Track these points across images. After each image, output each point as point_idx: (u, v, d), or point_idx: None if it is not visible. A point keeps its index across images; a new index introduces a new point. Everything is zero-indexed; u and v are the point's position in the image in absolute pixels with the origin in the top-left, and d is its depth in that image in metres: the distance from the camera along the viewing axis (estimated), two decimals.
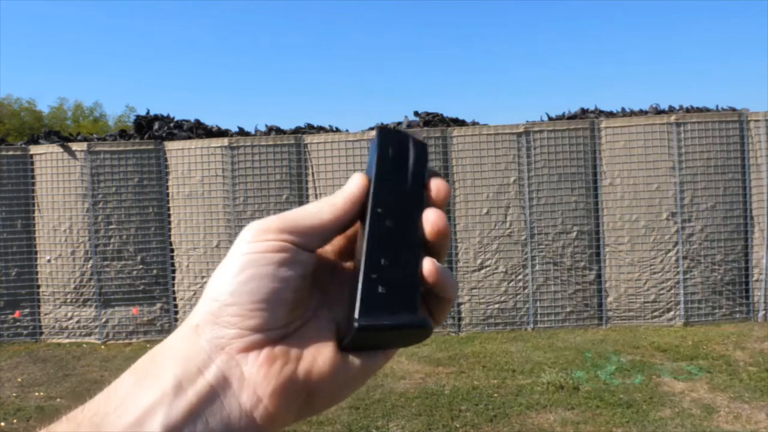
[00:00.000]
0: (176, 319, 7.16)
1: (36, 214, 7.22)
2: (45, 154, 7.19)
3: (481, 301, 6.96)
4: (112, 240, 7.13)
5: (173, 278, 7.21)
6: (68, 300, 7.15)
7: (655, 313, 6.87)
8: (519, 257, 6.92)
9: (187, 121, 8.36)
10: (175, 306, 7.21)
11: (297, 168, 7.07)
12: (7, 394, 5.39)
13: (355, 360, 0.40)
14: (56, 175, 7.15)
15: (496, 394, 4.92)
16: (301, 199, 7.04)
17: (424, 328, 0.40)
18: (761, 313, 6.84)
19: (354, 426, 4.36)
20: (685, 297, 6.81)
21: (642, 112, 7.71)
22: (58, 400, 5.19)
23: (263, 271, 0.38)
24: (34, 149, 7.28)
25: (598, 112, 7.91)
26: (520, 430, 4.24)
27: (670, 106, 7.69)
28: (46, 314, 7.22)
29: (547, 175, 6.91)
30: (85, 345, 7.03)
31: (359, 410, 4.63)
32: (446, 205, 0.44)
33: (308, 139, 7.14)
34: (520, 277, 6.93)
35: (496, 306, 6.95)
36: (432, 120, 7.82)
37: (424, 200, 0.43)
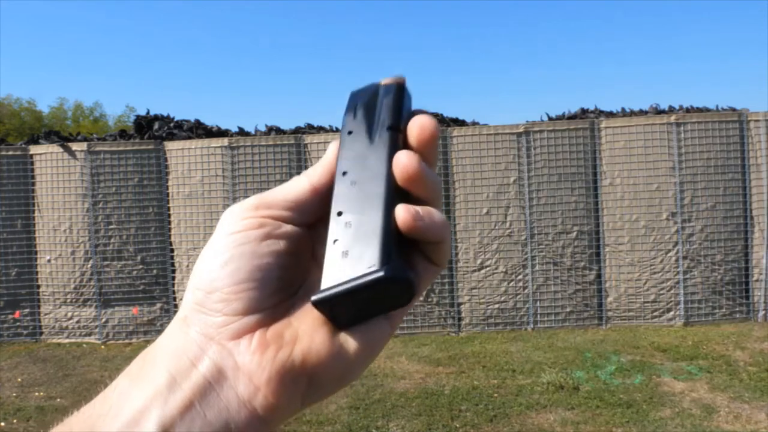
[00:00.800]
0: None
1: (36, 214, 7.22)
2: (45, 154, 7.19)
3: (481, 301, 6.96)
4: (112, 240, 7.13)
5: (173, 278, 7.21)
6: (68, 300, 7.16)
7: (655, 313, 6.87)
8: (519, 257, 6.92)
9: (187, 121, 8.36)
10: (175, 306, 7.20)
11: (297, 168, 7.07)
12: (7, 394, 5.39)
13: (351, 338, 0.37)
14: (56, 175, 7.15)
15: (496, 394, 4.92)
16: None
17: (393, 282, 0.34)
18: (761, 313, 6.84)
19: (354, 426, 4.36)
20: (685, 297, 6.81)
21: (642, 112, 7.71)
22: (58, 400, 5.19)
23: (243, 249, 0.36)
24: (34, 149, 7.28)
25: (598, 112, 7.91)
26: (520, 430, 4.24)
27: (670, 106, 7.69)
28: (46, 314, 7.22)
29: (547, 175, 6.91)
30: (85, 345, 7.03)
31: (359, 410, 4.63)
32: (434, 146, 0.39)
33: (308, 139, 7.14)
34: (520, 277, 6.93)
35: (496, 306, 6.95)
36: None
37: (397, 146, 0.38)
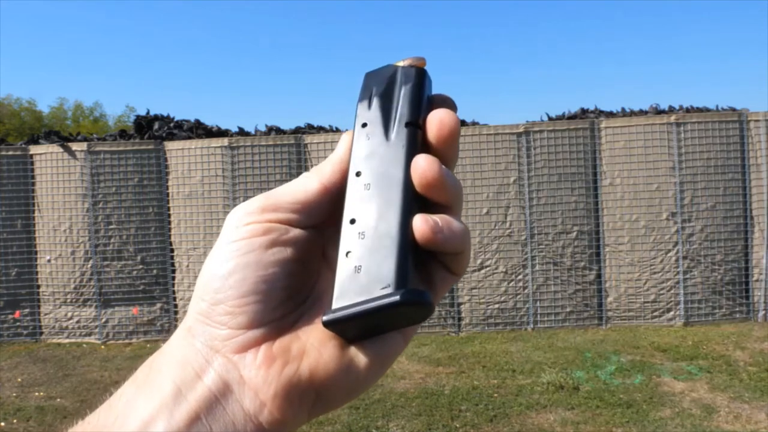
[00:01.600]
0: (176, 319, 7.16)
1: (36, 214, 7.22)
2: (45, 154, 7.19)
3: (481, 301, 6.96)
4: (112, 240, 7.13)
5: (173, 278, 7.21)
6: (68, 300, 7.16)
7: (655, 313, 6.87)
8: (519, 257, 6.92)
9: (187, 121, 8.37)
10: (175, 306, 7.21)
11: (297, 168, 7.07)
12: (7, 394, 5.39)
13: (362, 352, 0.35)
14: (56, 175, 7.15)
15: (496, 394, 4.92)
16: None
17: (408, 305, 0.32)
18: (761, 313, 6.84)
19: (354, 426, 4.36)
20: (685, 297, 6.81)
21: (642, 112, 7.71)
22: (58, 400, 5.19)
23: (247, 259, 0.34)
24: (34, 149, 7.28)
25: (598, 112, 7.91)
26: (520, 430, 4.24)
27: (670, 106, 7.69)
28: (46, 314, 7.22)
29: (547, 175, 6.91)
30: (85, 345, 7.03)
31: (359, 410, 4.63)
32: (454, 144, 0.36)
33: (308, 139, 7.14)
34: (520, 277, 6.93)
35: (496, 306, 6.95)
36: None
37: (416, 145, 0.35)
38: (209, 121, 9.06)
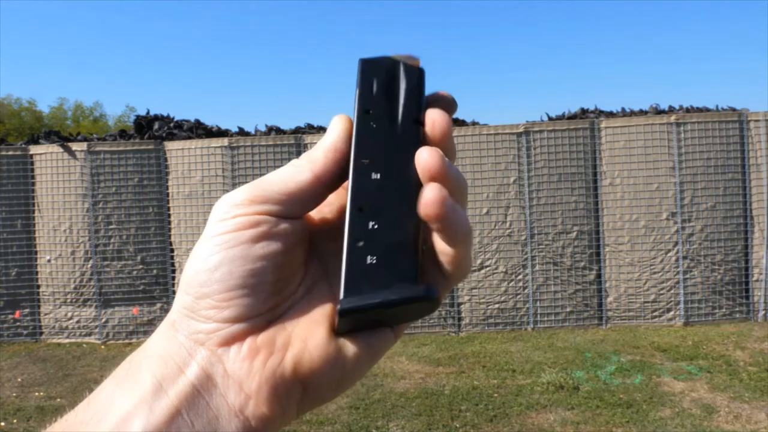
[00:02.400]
0: None
1: (36, 214, 7.22)
2: (45, 154, 7.19)
3: (481, 301, 6.96)
4: (112, 240, 7.13)
5: (173, 278, 7.21)
6: (68, 300, 7.15)
7: (655, 313, 6.87)
8: (519, 257, 6.92)
9: (187, 121, 8.37)
10: None
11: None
12: (7, 394, 5.39)
13: (351, 343, 0.34)
14: (56, 175, 7.14)
15: (496, 394, 4.92)
16: None
17: (427, 300, 0.33)
18: (761, 313, 6.84)
19: (354, 426, 4.35)
20: (685, 297, 6.81)
21: (642, 112, 7.71)
22: (58, 400, 5.19)
23: (234, 252, 0.33)
24: (34, 149, 7.28)
25: (598, 112, 7.91)
26: (520, 430, 4.24)
27: (670, 106, 7.69)
28: (46, 314, 7.22)
29: (547, 175, 6.91)
30: (85, 345, 7.03)
31: (359, 410, 4.63)
32: (448, 140, 0.36)
33: (308, 139, 7.14)
34: (520, 277, 6.93)
35: (496, 306, 6.95)
36: None
37: (419, 140, 0.35)
38: (209, 121, 9.06)
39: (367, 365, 0.36)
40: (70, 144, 7.23)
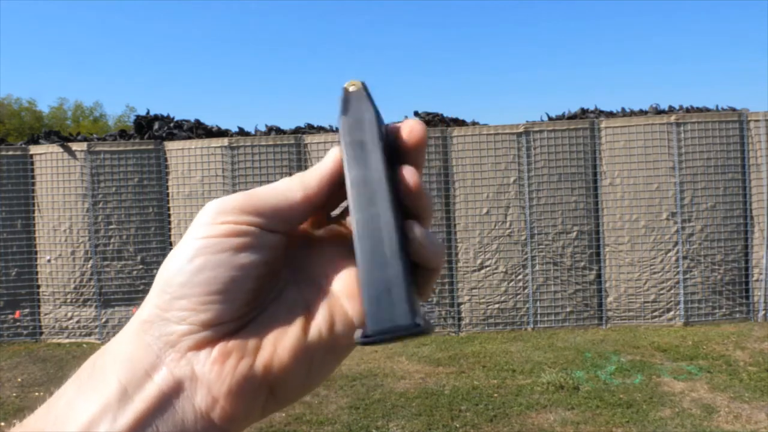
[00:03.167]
0: None
1: (36, 214, 7.22)
2: (45, 154, 7.19)
3: (481, 301, 6.96)
4: (112, 240, 7.13)
5: None
6: (68, 300, 7.15)
7: (655, 313, 6.87)
8: (519, 257, 6.92)
9: (187, 121, 8.36)
10: None
11: (297, 168, 7.07)
12: (7, 394, 5.39)
13: (318, 348, 0.36)
14: (56, 175, 7.14)
15: (496, 394, 4.92)
16: None
17: (428, 332, 0.34)
18: (761, 313, 6.84)
19: (354, 426, 4.35)
20: (685, 297, 6.81)
21: (642, 112, 7.71)
22: None
23: (219, 258, 0.34)
24: (34, 149, 7.28)
25: (598, 112, 7.91)
26: (520, 430, 4.24)
27: (670, 106, 7.69)
28: (46, 314, 7.22)
29: (547, 175, 6.91)
30: (85, 345, 7.03)
31: (359, 410, 4.63)
32: (423, 150, 0.37)
33: (308, 139, 7.14)
34: (520, 277, 6.93)
35: (496, 306, 6.95)
36: (432, 120, 7.82)
37: (391, 159, 0.37)
38: (209, 121, 9.06)
39: (331, 369, 0.37)
40: (70, 144, 7.23)
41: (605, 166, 6.93)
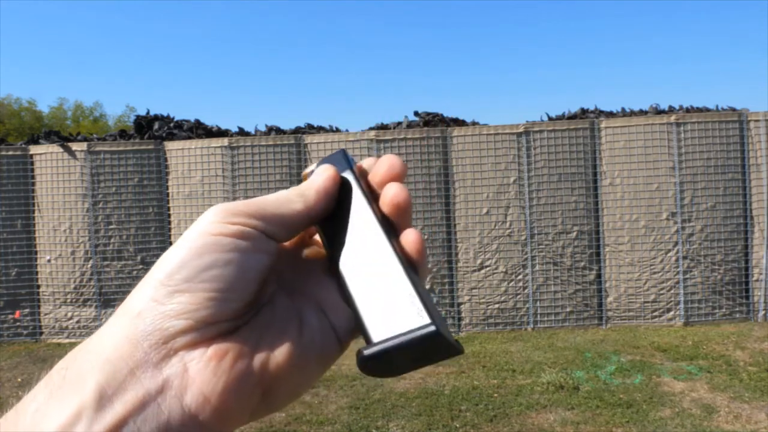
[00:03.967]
0: None
1: (36, 214, 7.22)
2: (45, 154, 7.19)
3: (481, 301, 6.95)
4: (112, 240, 7.13)
5: None
6: (68, 300, 7.15)
7: (655, 313, 6.87)
8: (519, 257, 6.92)
9: (187, 121, 8.36)
10: None
11: (297, 168, 7.07)
12: (7, 394, 5.39)
13: (310, 353, 0.36)
14: (56, 175, 7.14)
15: (496, 394, 4.92)
16: None
17: (433, 340, 0.34)
18: (761, 313, 6.84)
19: (354, 426, 4.35)
20: (685, 297, 6.80)
21: (642, 112, 7.70)
22: None
23: (229, 256, 0.34)
24: (34, 149, 7.28)
25: (598, 112, 7.91)
26: (520, 430, 4.24)
27: (670, 106, 7.69)
28: (46, 314, 7.22)
29: (547, 175, 6.91)
30: None
31: (359, 410, 4.63)
32: (403, 176, 0.41)
33: (308, 139, 7.14)
34: (520, 277, 6.93)
35: (496, 306, 6.95)
36: (432, 120, 7.82)
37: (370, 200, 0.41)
38: (209, 121, 9.06)
39: (317, 377, 0.38)
40: (70, 144, 7.23)
41: (605, 166, 6.92)
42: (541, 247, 6.91)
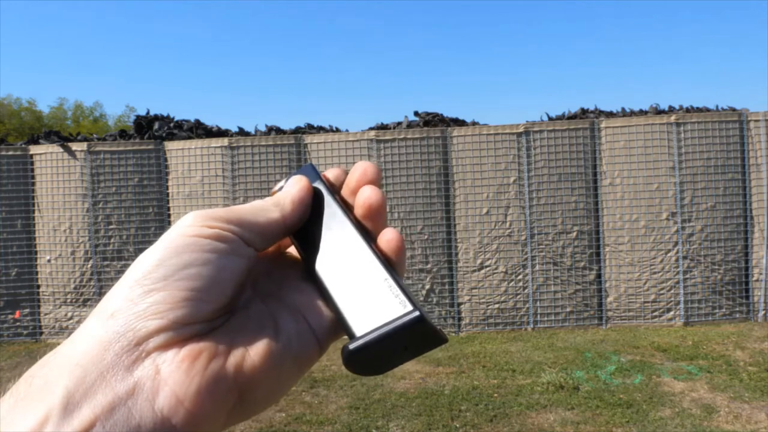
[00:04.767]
0: None
1: (36, 214, 7.22)
2: (45, 154, 7.19)
3: (481, 301, 6.95)
4: (112, 240, 7.13)
5: None
6: (68, 300, 7.15)
7: (655, 313, 6.87)
8: (519, 257, 6.92)
9: (187, 121, 8.36)
10: None
11: (297, 168, 7.06)
12: None
13: (287, 355, 0.36)
14: (56, 175, 7.14)
15: (496, 394, 4.92)
16: None
17: (417, 324, 0.34)
18: (761, 313, 6.84)
19: (354, 426, 4.35)
20: (685, 297, 6.80)
21: (642, 112, 7.71)
22: None
23: (207, 257, 0.34)
24: (34, 149, 7.27)
25: (598, 112, 7.91)
26: (520, 430, 4.24)
27: (670, 106, 7.69)
28: (46, 314, 7.22)
29: (547, 175, 6.91)
30: None
31: (359, 410, 4.63)
32: (379, 181, 0.42)
33: (308, 139, 7.14)
34: (520, 277, 6.93)
35: (496, 306, 6.95)
36: (432, 120, 7.82)
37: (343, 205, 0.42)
38: (209, 121, 9.06)
39: (294, 381, 0.37)
40: (70, 144, 7.23)
41: (605, 166, 6.92)
42: (541, 247, 6.91)
